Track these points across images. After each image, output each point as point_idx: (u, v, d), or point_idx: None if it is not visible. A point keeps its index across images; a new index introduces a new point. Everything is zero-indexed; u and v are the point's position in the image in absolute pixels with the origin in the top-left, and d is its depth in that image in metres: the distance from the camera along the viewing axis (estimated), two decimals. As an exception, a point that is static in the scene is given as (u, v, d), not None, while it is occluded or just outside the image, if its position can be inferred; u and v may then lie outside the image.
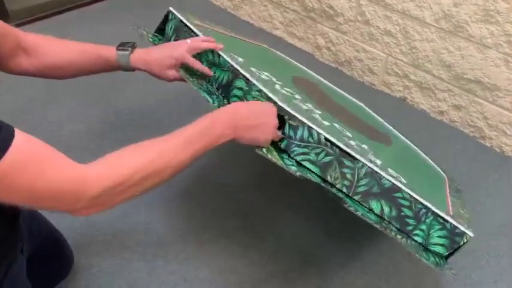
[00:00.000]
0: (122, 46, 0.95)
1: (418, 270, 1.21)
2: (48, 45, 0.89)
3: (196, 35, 1.02)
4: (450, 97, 1.69)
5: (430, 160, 1.36)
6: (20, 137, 0.54)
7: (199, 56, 0.99)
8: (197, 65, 0.97)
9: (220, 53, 0.97)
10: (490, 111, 1.60)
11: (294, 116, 0.82)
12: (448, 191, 1.11)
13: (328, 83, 1.48)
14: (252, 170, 1.47)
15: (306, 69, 1.50)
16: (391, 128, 1.44)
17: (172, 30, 1.08)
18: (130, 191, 0.64)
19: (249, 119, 0.78)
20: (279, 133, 0.84)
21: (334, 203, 1.36)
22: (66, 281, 1.12)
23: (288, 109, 0.83)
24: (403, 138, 1.41)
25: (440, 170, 1.32)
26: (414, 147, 1.40)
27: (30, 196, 0.55)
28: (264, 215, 1.33)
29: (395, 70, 1.80)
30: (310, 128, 0.82)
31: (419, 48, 1.68)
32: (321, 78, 1.49)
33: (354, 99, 1.50)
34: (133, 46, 0.96)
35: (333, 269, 1.20)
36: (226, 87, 0.94)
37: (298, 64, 1.51)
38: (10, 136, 0.53)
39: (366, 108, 1.50)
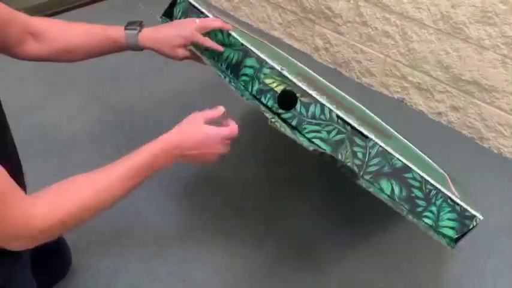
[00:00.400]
0: (130, 25, 0.94)
1: (416, 269, 1.22)
2: (56, 29, 0.89)
3: (206, 16, 1.00)
4: (448, 98, 1.69)
5: (429, 160, 1.37)
6: None
7: (208, 35, 0.97)
8: (207, 42, 0.95)
9: (231, 32, 0.95)
10: (488, 112, 1.61)
11: (306, 92, 0.81)
12: (450, 182, 1.12)
13: (329, 84, 1.49)
14: (250, 170, 1.47)
15: (307, 68, 1.51)
16: (389, 128, 1.44)
17: (180, 12, 1.05)
18: (67, 229, 0.66)
19: (192, 150, 0.78)
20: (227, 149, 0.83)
21: (332, 202, 1.37)
22: (65, 282, 1.12)
23: (300, 84, 0.81)
24: (401, 137, 1.41)
25: (442, 170, 1.32)
26: (414, 147, 1.40)
27: None
28: (262, 214, 1.33)
29: (394, 71, 1.80)
30: (322, 105, 0.81)
31: (417, 49, 1.69)
32: (322, 79, 1.50)
33: (353, 100, 1.50)
34: (141, 25, 0.94)
35: (331, 267, 1.21)
36: (235, 66, 0.93)
37: (299, 64, 1.52)
38: None
39: (366, 109, 1.51)
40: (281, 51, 1.52)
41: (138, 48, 0.96)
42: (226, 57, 0.95)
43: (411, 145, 1.40)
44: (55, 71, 1.80)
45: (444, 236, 0.84)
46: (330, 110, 0.81)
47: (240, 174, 1.45)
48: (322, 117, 0.82)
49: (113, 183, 0.68)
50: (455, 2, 1.51)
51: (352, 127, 0.82)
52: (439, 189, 0.83)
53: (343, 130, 0.82)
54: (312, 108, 0.82)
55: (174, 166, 1.44)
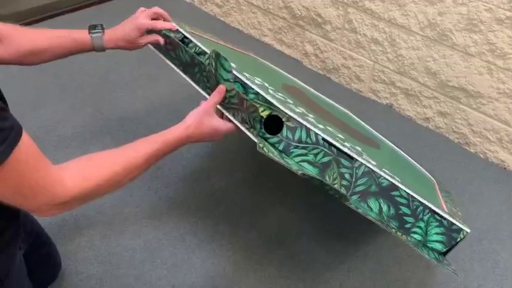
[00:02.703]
0: (93, 29, 1.01)
1: (405, 273, 1.23)
2: (21, 33, 0.91)
3: (186, 37, 1.06)
4: (435, 104, 1.72)
5: (417, 164, 1.38)
6: (25, 135, 0.59)
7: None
8: (158, 24, 1.04)
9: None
10: (474, 118, 1.63)
11: (292, 117, 0.82)
12: (439, 192, 1.13)
13: (315, 92, 1.50)
14: (241, 175, 1.47)
15: (292, 77, 1.52)
16: (378, 134, 1.46)
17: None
18: (95, 196, 0.71)
19: (204, 137, 0.89)
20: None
21: (323, 206, 1.38)
22: (54, 287, 1.11)
23: (286, 110, 0.83)
24: (389, 143, 1.43)
25: (429, 174, 1.34)
26: (401, 152, 1.42)
27: (14, 190, 0.60)
28: (253, 220, 1.33)
29: (382, 77, 1.83)
30: (308, 129, 0.82)
31: (405, 56, 1.71)
32: (308, 87, 1.51)
33: (341, 107, 1.52)
34: (102, 28, 1.02)
35: (320, 272, 1.21)
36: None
37: (285, 73, 1.53)
38: (19, 137, 0.58)
39: (353, 115, 1.52)
40: (262, 61, 1.53)
41: (102, 49, 1.03)
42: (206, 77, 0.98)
43: (399, 150, 1.42)
44: (44, 75, 1.79)
45: (433, 249, 0.86)
46: (316, 134, 0.83)
47: (231, 179, 1.46)
48: (308, 140, 0.83)
49: (140, 161, 0.76)
50: (442, 10, 1.54)
51: (338, 149, 0.83)
52: (426, 205, 0.85)
53: (329, 152, 0.84)
54: (297, 133, 0.83)
55: (164, 171, 1.44)
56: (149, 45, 1.11)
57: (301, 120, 0.83)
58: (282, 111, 0.83)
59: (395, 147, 1.43)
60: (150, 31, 1.06)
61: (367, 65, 1.84)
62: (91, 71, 1.85)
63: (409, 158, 1.40)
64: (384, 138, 1.44)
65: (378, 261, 1.26)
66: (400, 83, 1.78)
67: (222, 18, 2.31)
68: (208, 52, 0.96)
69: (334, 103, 1.50)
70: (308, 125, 0.83)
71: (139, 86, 1.81)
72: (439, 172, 1.52)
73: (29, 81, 1.76)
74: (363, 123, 1.50)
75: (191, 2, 2.42)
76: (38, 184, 0.61)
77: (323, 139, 0.83)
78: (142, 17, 1.03)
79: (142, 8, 1.06)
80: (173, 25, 1.06)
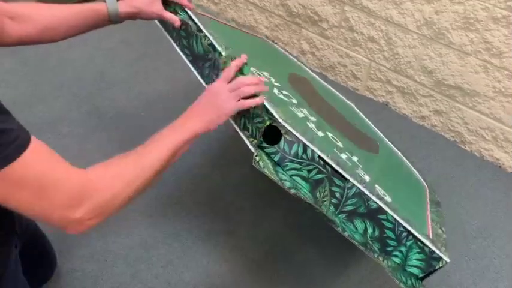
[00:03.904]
0: None
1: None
2: (35, 9, 0.90)
3: (199, 28, 1.02)
4: (431, 102, 1.72)
5: (412, 167, 1.38)
6: (34, 141, 0.58)
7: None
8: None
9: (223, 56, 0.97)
10: (470, 116, 1.64)
11: (291, 132, 0.83)
12: (428, 206, 1.13)
13: (321, 81, 1.49)
14: (238, 176, 1.47)
15: (300, 64, 1.51)
16: (376, 130, 1.46)
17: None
18: (123, 193, 0.69)
19: (199, 105, 0.84)
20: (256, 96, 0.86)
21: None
22: (50, 285, 1.10)
23: (286, 125, 0.83)
24: (387, 141, 1.43)
25: (421, 178, 1.34)
26: (397, 151, 1.42)
27: (34, 195, 0.57)
28: (249, 219, 1.33)
29: (378, 75, 1.83)
30: (305, 145, 0.83)
31: (401, 54, 1.71)
32: (313, 74, 1.50)
33: (343, 97, 1.51)
34: None
35: (317, 273, 1.22)
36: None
37: (293, 59, 1.51)
38: (27, 140, 0.57)
39: (354, 107, 1.52)
40: (271, 44, 1.51)
41: (117, 15, 0.98)
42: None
43: (395, 149, 1.42)
44: (40, 72, 1.78)
45: (410, 274, 0.88)
46: (312, 151, 0.84)
47: (228, 178, 1.46)
48: (304, 156, 0.84)
49: (154, 161, 0.73)
50: (438, 9, 1.54)
51: (333, 168, 0.84)
52: (410, 231, 0.87)
53: (324, 170, 0.85)
54: (294, 147, 0.83)
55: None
56: (160, 27, 1.07)
57: (299, 136, 0.83)
58: (282, 125, 0.83)
59: (393, 146, 1.43)
60: (166, 3, 1.03)
61: (364, 63, 1.84)
62: (87, 68, 1.84)
63: (404, 159, 1.40)
64: (382, 136, 1.44)
65: (375, 265, 1.26)
66: (396, 82, 1.78)
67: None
68: (219, 48, 0.95)
69: (339, 94, 1.50)
70: (306, 142, 0.83)
71: (136, 84, 1.80)
72: (434, 170, 1.53)
73: (24, 79, 1.75)
74: (363, 117, 1.49)
75: None
76: (59, 184, 0.59)
77: (319, 157, 0.83)
78: None
79: None
80: (189, 3, 1.03)
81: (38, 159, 0.58)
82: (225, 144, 1.58)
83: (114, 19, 0.97)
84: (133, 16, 1.00)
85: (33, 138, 0.58)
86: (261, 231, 1.30)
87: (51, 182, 0.58)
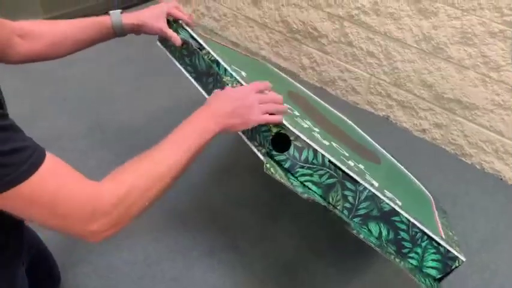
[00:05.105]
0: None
1: (406, 286, 1.23)
2: (42, 26, 0.92)
3: (202, 46, 1.05)
4: (431, 116, 1.74)
5: (414, 179, 1.39)
6: (49, 157, 0.59)
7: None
8: (179, 13, 1.06)
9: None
10: (470, 129, 1.65)
11: (300, 137, 0.84)
12: (436, 212, 1.14)
13: (317, 98, 1.51)
14: (241, 189, 1.48)
15: (294, 82, 1.53)
16: (376, 144, 1.47)
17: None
18: (139, 202, 0.68)
19: (224, 107, 0.80)
20: (284, 108, 0.86)
21: (325, 224, 1.38)
22: (52, 302, 1.10)
23: (295, 130, 0.84)
24: (388, 155, 1.44)
25: (425, 190, 1.35)
26: (399, 165, 1.43)
27: (49, 210, 0.58)
28: (252, 234, 1.33)
29: (378, 89, 1.85)
30: (315, 150, 0.84)
31: (400, 68, 1.73)
32: (310, 93, 1.52)
33: (340, 114, 1.53)
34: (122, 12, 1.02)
35: (320, 285, 1.21)
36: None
37: (287, 77, 1.54)
38: (42, 156, 0.58)
39: (352, 124, 1.54)
40: (268, 66, 1.54)
41: (121, 27, 0.99)
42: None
43: (397, 164, 1.43)
44: (43, 88, 1.80)
45: (428, 275, 0.88)
46: (323, 156, 0.84)
47: (230, 192, 1.46)
48: (315, 161, 0.84)
49: (163, 153, 0.73)
50: (436, 24, 1.57)
51: (344, 172, 0.85)
52: (425, 232, 0.87)
53: (335, 175, 0.85)
54: (305, 153, 0.84)
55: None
56: (162, 47, 1.10)
57: (308, 141, 0.84)
58: (291, 130, 0.84)
59: (394, 159, 1.44)
60: (169, 21, 1.06)
61: (364, 77, 1.86)
62: (89, 84, 1.86)
63: (407, 172, 1.41)
64: (382, 150, 1.45)
65: (379, 274, 1.26)
66: (396, 95, 1.80)
67: (219, 32, 2.33)
68: (221, 62, 0.96)
69: (331, 108, 1.51)
70: (316, 147, 0.84)
71: (138, 99, 1.82)
72: (436, 183, 1.53)
73: (27, 95, 1.77)
74: (362, 133, 1.51)
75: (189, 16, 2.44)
76: (73, 199, 0.60)
77: (329, 161, 0.84)
78: (170, 4, 1.06)
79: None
80: (189, 20, 1.08)
81: (53, 175, 0.58)
82: (227, 158, 1.58)
83: (118, 31, 0.99)
84: (137, 29, 1.02)
85: (47, 154, 0.59)
86: (264, 246, 1.30)
87: (66, 197, 0.59)
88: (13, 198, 0.55)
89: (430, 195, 1.30)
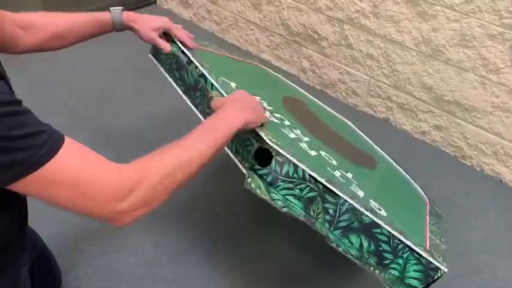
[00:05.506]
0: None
1: None
2: (44, 18, 0.94)
3: (184, 54, 1.08)
4: (431, 118, 1.74)
5: (412, 181, 1.39)
6: (68, 139, 0.60)
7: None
8: (177, 31, 1.11)
9: (213, 82, 1.01)
10: (470, 131, 1.66)
11: (280, 152, 0.86)
12: (428, 218, 1.14)
13: (316, 100, 1.52)
14: (242, 194, 1.48)
15: (295, 86, 1.53)
16: (375, 146, 1.47)
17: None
18: (165, 182, 0.68)
19: (245, 104, 0.87)
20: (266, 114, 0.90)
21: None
22: (54, 303, 1.11)
23: (276, 147, 0.86)
24: (387, 156, 1.44)
25: (422, 192, 1.35)
26: (397, 166, 1.43)
27: (74, 192, 0.58)
28: (252, 238, 1.34)
29: (378, 92, 1.85)
30: (295, 165, 0.86)
31: (400, 71, 1.74)
32: (310, 96, 1.53)
33: (341, 117, 1.53)
34: (122, 9, 1.06)
35: None
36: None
37: (287, 81, 1.54)
38: (60, 140, 0.59)
39: (352, 125, 1.54)
40: (264, 69, 1.55)
41: (121, 23, 1.04)
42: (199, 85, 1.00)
43: (395, 164, 1.43)
44: (45, 91, 1.81)
45: (410, 286, 0.89)
46: (303, 170, 0.86)
47: (231, 197, 1.47)
48: (295, 176, 0.86)
49: (191, 140, 0.74)
50: (435, 26, 1.58)
51: (324, 185, 0.86)
52: (406, 244, 0.89)
53: (315, 188, 0.87)
54: (285, 167, 0.86)
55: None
56: (153, 60, 1.14)
57: (288, 156, 0.86)
58: (272, 147, 0.86)
59: (392, 161, 1.45)
60: (165, 34, 1.11)
61: (364, 80, 1.87)
62: (91, 87, 1.87)
63: (404, 174, 1.41)
64: (382, 152, 1.45)
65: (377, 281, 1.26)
66: (396, 98, 1.81)
67: (220, 35, 2.34)
68: (208, 76, 1.00)
69: (333, 112, 1.52)
70: (295, 161, 0.86)
71: (140, 102, 1.83)
72: (435, 185, 1.53)
73: (29, 98, 1.78)
74: (362, 134, 1.51)
75: (190, 19, 2.46)
76: (97, 179, 0.60)
77: (310, 175, 0.86)
78: (168, 21, 1.11)
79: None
80: (188, 41, 1.11)
81: (73, 158, 0.59)
82: (227, 162, 1.59)
83: (118, 28, 1.04)
84: (132, 30, 1.07)
85: (66, 138, 0.60)
86: (265, 250, 1.31)
87: (91, 178, 0.59)
88: (35, 182, 0.55)
89: (426, 198, 1.30)
